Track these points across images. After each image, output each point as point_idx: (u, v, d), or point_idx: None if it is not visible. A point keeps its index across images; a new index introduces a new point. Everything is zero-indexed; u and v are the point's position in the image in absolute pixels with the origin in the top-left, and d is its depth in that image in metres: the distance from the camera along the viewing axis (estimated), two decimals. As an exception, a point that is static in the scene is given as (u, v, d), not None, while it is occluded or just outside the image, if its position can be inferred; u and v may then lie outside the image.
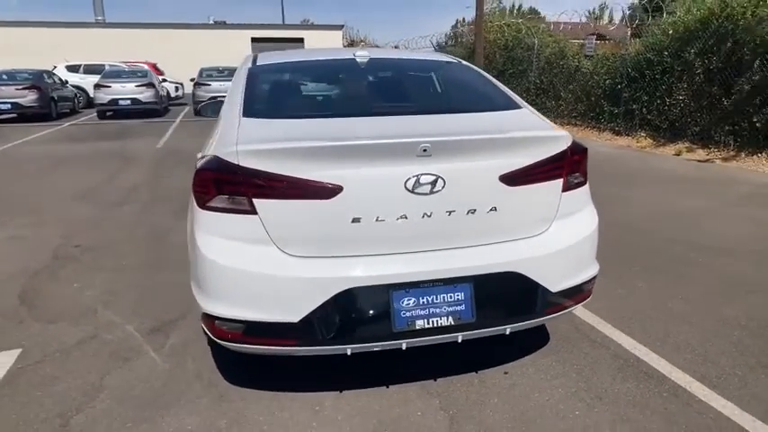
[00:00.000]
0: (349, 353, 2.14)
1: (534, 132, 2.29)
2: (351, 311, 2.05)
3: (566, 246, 2.29)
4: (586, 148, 2.47)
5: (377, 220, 2.06)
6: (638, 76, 10.02)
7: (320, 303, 2.02)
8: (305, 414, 2.35)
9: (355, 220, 2.05)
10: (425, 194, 2.07)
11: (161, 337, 3.04)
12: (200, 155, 3.02)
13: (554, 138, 2.29)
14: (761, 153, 7.89)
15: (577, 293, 2.39)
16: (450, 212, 2.11)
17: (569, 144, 2.33)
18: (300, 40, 30.46)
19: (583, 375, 2.61)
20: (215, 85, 16.19)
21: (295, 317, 2.03)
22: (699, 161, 8.39)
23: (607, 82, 10.97)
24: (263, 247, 2.06)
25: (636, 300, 3.47)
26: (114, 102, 15.27)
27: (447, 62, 3.23)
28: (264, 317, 2.05)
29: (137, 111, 15.79)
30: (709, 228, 5.01)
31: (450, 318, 2.13)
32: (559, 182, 2.31)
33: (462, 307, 2.14)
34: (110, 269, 4.10)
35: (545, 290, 2.24)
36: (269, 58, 3.13)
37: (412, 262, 2.10)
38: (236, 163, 2.03)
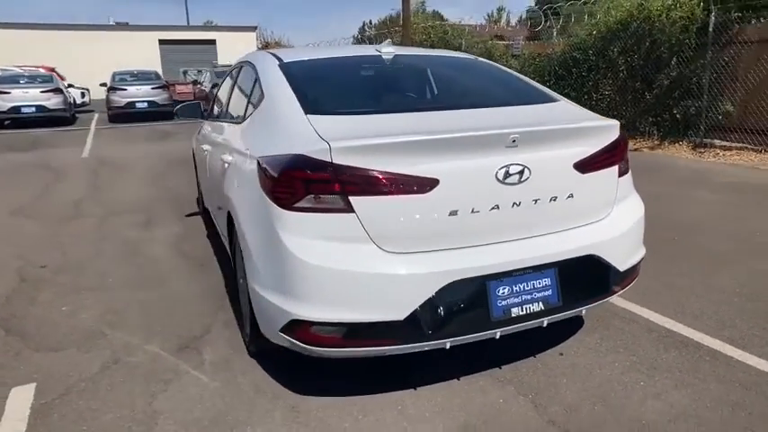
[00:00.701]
0: (448, 346, 2.13)
1: (598, 122, 2.40)
2: (452, 304, 2.04)
3: (626, 228, 2.43)
4: (627, 137, 2.63)
5: (472, 211, 2.07)
6: (565, 74, 10.69)
7: (425, 299, 2.00)
8: (391, 415, 2.30)
9: (452, 213, 2.05)
10: (514, 184, 2.11)
11: (194, 355, 2.83)
12: (229, 158, 2.86)
13: (610, 127, 2.42)
14: (681, 141, 8.74)
15: (633, 273, 2.54)
16: (535, 201, 2.17)
17: (619, 132, 2.47)
18: (212, 42, 29.39)
19: (630, 349, 2.77)
20: (131, 89, 15.23)
21: (400, 314, 1.99)
22: (629, 150, 9.11)
23: (535, 80, 11.55)
24: (362, 245, 2.00)
25: (640, 276, 3.72)
26: (16, 109, 13.84)
27: (469, 59, 3.29)
28: (368, 317, 1.99)
29: (42, 119, 14.43)
30: (666, 209, 5.47)
31: (541, 303, 2.19)
32: (615, 168, 2.44)
33: (549, 292, 2.20)
34: (96, 289, 3.74)
35: (615, 270, 2.37)
36: (294, 54, 3.02)
37: (506, 251, 2.13)
38: (330, 161, 1.96)
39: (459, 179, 2.04)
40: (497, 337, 2.18)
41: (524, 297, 2.16)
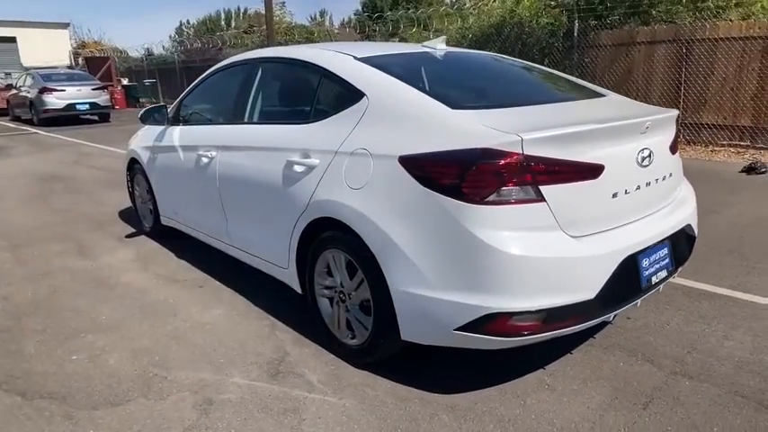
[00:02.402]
0: (611, 318, 2.30)
1: (674, 111, 2.73)
2: (622, 278, 2.21)
3: (694, 202, 2.83)
4: None
5: (625, 192, 2.27)
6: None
7: (609, 276, 2.14)
8: (546, 394, 2.39)
9: (614, 195, 2.23)
10: (647, 166, 2.36)
11: (295, 378, 2.59)
12: (310, 161, 2.64)
13: (675, 115, 2.78)
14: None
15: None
16: (657, 180, 2.44)
17: None
18: (11, 40, 25.09)
19: (674, 305, 3.21)
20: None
21: (592, 293, 2.11)
22: (509, 142, 10.14)
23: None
24: (552, 232, 2.07)
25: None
26: None
27: (497, 55, 3.46)
28: (567, 300, 2.07)
29: None
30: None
31: (665, 270, 2.47)
32: (677, 151, 2.83)
33: (667, 260, 2.49)
34: (96, 329, 3.16)
35: (694, 238, 2.75)
36: (356, 50, 2.88)
37: (647, 227, 2.37)
38: (521, 152, 2.00)
39: (616, 163, 2.22)
40: (638, 304, 2.42)
41: (656, 267, 2.42)
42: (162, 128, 4.26)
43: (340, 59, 2.79)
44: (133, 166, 4.88)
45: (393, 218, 2.25)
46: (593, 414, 2.26)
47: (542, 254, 2.04)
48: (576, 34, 9.29)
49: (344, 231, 2.50)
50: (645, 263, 2.35)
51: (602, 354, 2.72)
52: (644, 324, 3.01)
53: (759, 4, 8.76)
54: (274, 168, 2.89)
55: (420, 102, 2.34)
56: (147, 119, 4.12)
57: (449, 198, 2.06)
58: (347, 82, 2.64)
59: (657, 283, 2.45)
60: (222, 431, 2.23)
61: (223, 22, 42.93)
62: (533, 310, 2.05)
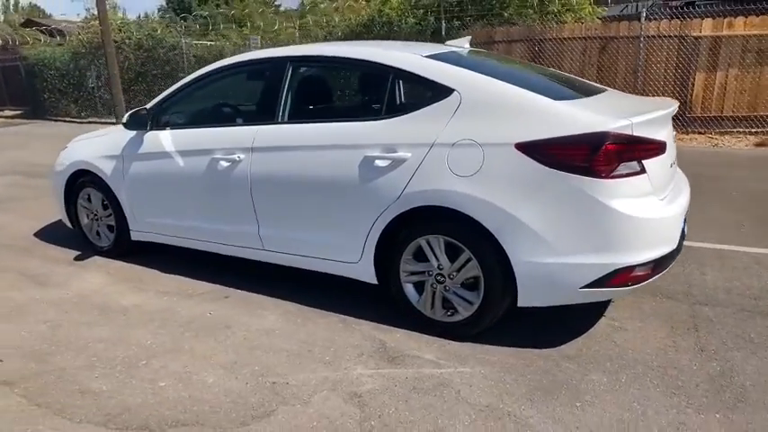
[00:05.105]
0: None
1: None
2: (682, 232, 2.82)
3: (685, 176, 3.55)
4: None
5: (671, 165, 2.89)
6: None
7: (680, 230, 2.73)
8: (623, 334, 2.91)
9: (667, 167, 2.82)
10: (673, 145, 3.00)
11: (416, 360, 2.74)
12: (400, 154, 2.82)
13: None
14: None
15: None
16: (671, 163, 3.07)
17: None
18: None
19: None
20: None
21: (674, 244, 2.68)
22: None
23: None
24: (652, 197, 2.58)
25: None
26: None
27: (501, 56, 3.87)
28: (665, 250, 2.60)
29: None
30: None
31: (685, 229, 3.14)
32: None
33: (683, 224, 3.17)
34: (143, 355, 2.89)
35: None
36: (416, 48, 3.05)
37: (677, 197, 2.96)
38: (632, 134, 2.46)
39: (667, 142, 2.81)
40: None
41: (684, 225, 3.06)
42: (133, 134, 3.88)
43: (411, 58, 2.95)
44: (78, 180, 4.30)
45: (514, 197, 2.55)
46: (669, 341, 2.84)
47: (651, 215, 2.54)
48: (443, 34, 10.21)
49: (444, 217, 2.72)
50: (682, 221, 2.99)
51: (634, 298, 3.32)
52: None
53: (586, 10, 10.61)
54: (345, 166, 2.94)
55: (523, 95, 2.67)
56: (134, 124, 3.71)
57: (577, 175, 2.44)
58: (428, 79, 2.84)
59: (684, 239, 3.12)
60: (398, 416, 2.32)
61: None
62: (649, 260, 2.54)
